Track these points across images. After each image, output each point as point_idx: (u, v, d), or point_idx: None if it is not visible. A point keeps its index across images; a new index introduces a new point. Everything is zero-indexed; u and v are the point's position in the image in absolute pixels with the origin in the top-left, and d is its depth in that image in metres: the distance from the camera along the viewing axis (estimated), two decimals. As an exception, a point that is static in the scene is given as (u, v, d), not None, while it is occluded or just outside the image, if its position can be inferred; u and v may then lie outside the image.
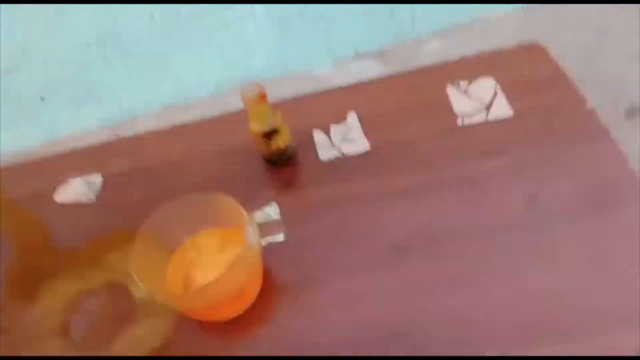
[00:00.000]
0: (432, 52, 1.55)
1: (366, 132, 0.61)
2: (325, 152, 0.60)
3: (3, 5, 1.37)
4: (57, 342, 0.51)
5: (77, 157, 0.70)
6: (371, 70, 1.58)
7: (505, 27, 1.54)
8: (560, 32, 1.33)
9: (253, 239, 0.45)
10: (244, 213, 0.45)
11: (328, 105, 0.66)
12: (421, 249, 0.49)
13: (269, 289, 0.50)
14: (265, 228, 0.46)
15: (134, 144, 0.69)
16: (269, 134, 0.56)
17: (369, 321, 0.46)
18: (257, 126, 0.56)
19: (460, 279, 0.46)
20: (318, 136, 0.62)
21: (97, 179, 0.65)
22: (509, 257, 0.47)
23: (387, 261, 0.49)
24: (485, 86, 0.63)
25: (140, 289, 0.52)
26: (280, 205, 0.53)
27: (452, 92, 0.63)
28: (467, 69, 0.65)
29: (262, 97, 0.53)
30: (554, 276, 0.45)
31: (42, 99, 1.64)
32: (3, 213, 0.65)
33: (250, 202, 0.56)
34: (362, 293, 0.48)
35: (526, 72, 0.63)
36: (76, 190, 0.65)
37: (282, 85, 1.52)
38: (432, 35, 1.59)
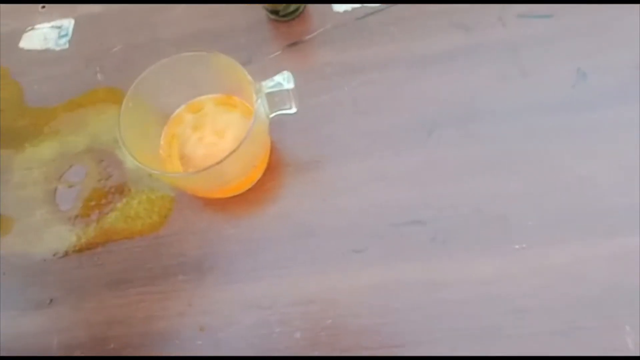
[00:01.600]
0: None
1: (390, -21, 0.51)
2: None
3: None
4: (45, 211, 0.47)
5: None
6: None
7: None
8: None
9: (262, 112, 0.38)
10: (253, 82, 0.38)
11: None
12: (450, 127, 0.43)
13: (276, 165, 0.45)
14: (275, 98, 0.39)
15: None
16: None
17: (385, 206, 0.42)
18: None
19: (491, 163, 0.42)
20: (332, -19, 0.52)
21: (67, 23, 0.55)
22: (548, 141, 0.42)
23: (409, 139, 0.44)
24: None
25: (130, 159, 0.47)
26: (285, 69, 0.46)
27: None
28: None
29: None
30: (593, 164, 0.40)
31: None
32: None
33: (252, 65, 0.48)
34: (379, 174, 0.43)
35: None
36: (45, 36, 0.55)
37: None
38: None
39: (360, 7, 0.50)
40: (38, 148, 0.50)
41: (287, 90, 0.38)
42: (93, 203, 0.46)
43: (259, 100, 0.37)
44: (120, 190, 0.46)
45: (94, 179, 0.47)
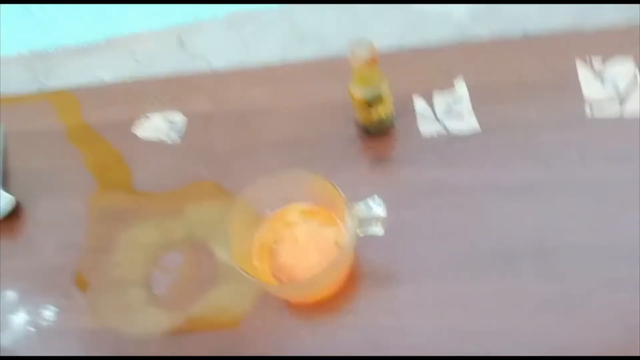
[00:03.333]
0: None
1: (475, 107, 0.55)
2: (427, 126, 0.55)
3: None
4: (140, 292, 0.51)
5: (156, 88, 0.66)
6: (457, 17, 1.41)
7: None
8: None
9: (353, 233, 0.42)
10: (346, 201, 0.41)
11: (432, 65, 0.59)
12: (528, 259, 0.45)
13: (356, 276, 0.47)
14: (364, 220, 0.43)
15: (215, 82, 0.65)
16: (372, 102, 0.51)
17: (456, 331, 0.43)
18: (360, 91, 0.50)
19: (570, 302, 0.43)
20: (419, 104, 0.56)
21: (178, 118, 0.62)
22: (627, 286, 0.42)
23: (486, 266, 0.46)
24: (622, 68, 0.54)
25: (222, 251, 0.51)
26: (372, 184, 0.49)
27: (582, 70, 0.54)
28: (602, 42, 0.56)
29: (374, 60, 0.47)
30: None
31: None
32: (83, 142, 0.64)
33: (341, 175, 0.52)
34: (455, 298, 0.45)
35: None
36: (157, 127, 0.62)
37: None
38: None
39: (446, 133, 0.54)
40: (140, 230, 0.55)
41: (378, 215, 0.42)
42: (184, 290, 0.50)
43: (351, 222, 0.41)
44: (210, 280, 0.50)
45: (187, 267, 0.52)
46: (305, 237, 0.47)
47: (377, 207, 0.41)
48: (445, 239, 0.48)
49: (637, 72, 0.53)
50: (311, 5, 1.51)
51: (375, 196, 0.42)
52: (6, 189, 0.61)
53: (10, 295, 0.54)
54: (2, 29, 1.65)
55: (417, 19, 1.40)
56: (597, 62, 0.55)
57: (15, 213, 0.60)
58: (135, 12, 1.65)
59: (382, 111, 0.51)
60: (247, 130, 0.60)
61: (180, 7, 1.62)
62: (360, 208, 0.41)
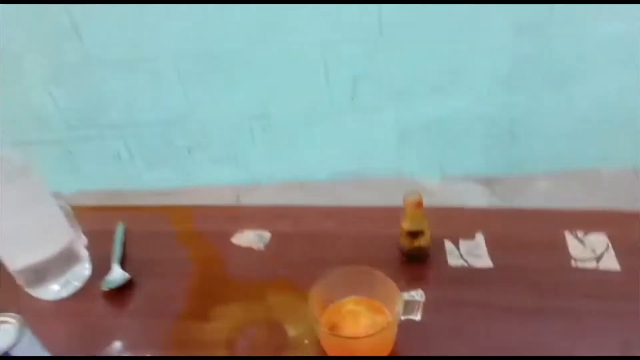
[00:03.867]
0: (540, 192, 1.66)
1: (490, 252, 0.74)
2: (454, 260, 0.74)
3: (185, 70, 1.69)
4: (224, 352, 0.66)
5: (251, 213, 0.89)
6: (477, 194, 1.73)
7: (616, 183, 1.63)
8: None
9: (399, 313, 0.59)
10: (398, 290, 0.59)
11: (459, 220, 0.81)
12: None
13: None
14: (407, 306, 0.60)
15: (297, 213, 0.87)
16: (416, 233, 0.71)
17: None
18: (408, 224, 0.71)
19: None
20: (449, 245, 0.76)
21: (266, 234, 0.83)
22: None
23: (494, 361, 0.61)
24: (598, 239, 0.75)
25: (292, 329, 0.67)
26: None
27: (569, 238, 0.75)
28: (583, 220, 0.78)
29: (420, 203, 0.69)
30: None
31: (189, 151, 1.93)
32: (190, 242, 0.84)
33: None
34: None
35: (636, 235, 0.74)
36: (249, 238, 0.83)
37: (393, 188, 1.70)
38: (542, 175, 1.72)
39: (468, 266, 0.73)
40: (229, 307, 0.72)
41: (420, 302, 0.59)
42: (260, 354, 0.65)
43: (400, 304, 0.58)
44: (281, 349, 0.65)
45: (264, 338, 0.67)
46: (359, 322, 0.64)
47: (420, 297, 0.59)
48: (461, 339, 0.64)
49: (608, 242, 0.74)
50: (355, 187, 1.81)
51: (419, 289, 0.60)
52: (123, 268, 0.80)
53: (117, 345, 0.70)
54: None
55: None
56: (580, 233, 0.76)
57: (128, 286, 0.78)
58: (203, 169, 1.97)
59: (422, 241, 0.72)
60: (316, 248, 0.80)
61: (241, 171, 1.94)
62: (406, 294, 0.59)
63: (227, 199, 1.90)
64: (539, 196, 1.65)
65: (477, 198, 1.70)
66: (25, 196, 0.69)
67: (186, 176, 1.97)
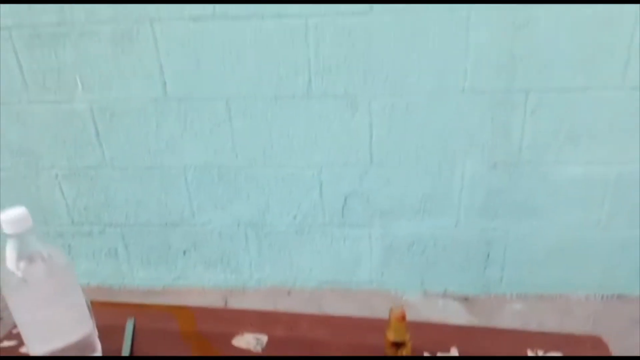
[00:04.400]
0: (514, 312, 1.77)
1: None
2: (431, 370, 0.84)
3: (193, 179, 1.84)
4: None
5: (250, 316, 0.98)
6: (456, 311, 1.83)
7: (583, 309, 1.75)
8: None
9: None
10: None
11: (437, 334, 0.91)
12: None
13: None
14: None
15: (291, 319, 0.97)
16: (399, 344, 0.81)
17: None
18: (392, 336, 0.81)
19: None
20: (427, 357, 0.86)
21: (264, 338, 0.92)
22: None
23: None
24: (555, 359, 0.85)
25: None
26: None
27: (531, 355, 0.86)
28: (544, 341, 0.89)
29: (403, 317, 0.80)
30: None
31: (184, 253, 2.03)
32: (194, 342, 0.93)
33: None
34: None
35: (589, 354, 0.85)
36: (248, 341, 0.91)
37: (377, 300, 1.80)
38: (516, 297, 1.84)
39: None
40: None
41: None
42: None
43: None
44: None
45: None
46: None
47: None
48: None
49: (565, 362, 0.85)
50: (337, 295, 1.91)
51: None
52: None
53: None
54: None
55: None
56: (540, 352, 0.86)
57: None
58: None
59: (405, 352, 0.82)
60: (311, 354, 0.88)
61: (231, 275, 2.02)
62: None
63: (215, 301, 1.97)
64: (512, 316, 1.76)
65: (454, 314, 1.80)
66: (63, 290, 0.78)
67: (177, 276, 2.05)
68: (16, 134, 1.83)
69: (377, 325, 0.85)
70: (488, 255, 1.85)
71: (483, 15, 1.50)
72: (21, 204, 1.75)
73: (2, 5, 1.64)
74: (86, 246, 2.03)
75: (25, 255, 0.74)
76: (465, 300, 1.88)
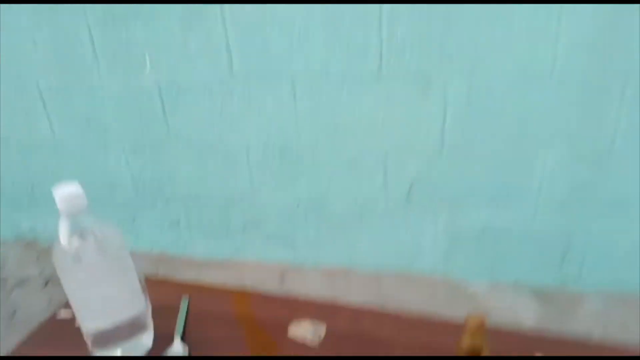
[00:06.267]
0: (591, 313, 1.62)
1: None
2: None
3: (255, 156, 1.80)
4: None
5: (308, 306, 0.92)
6: (526, 306, 1.69)
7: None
8: None
9: None
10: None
11: (516, 340, 0.82)
12: None
13: None
14: None
15: (352, 312, 0.90)
16: (475, 354, 0.73)
17: None
18: (468, 343, 0.72)
19: None
20: (502, 366, 0.77)
21: (322, 328, 0.86)
22: None
23: None
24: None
25: None
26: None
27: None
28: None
29: (483, 326, 0.71)
30: None
31: (244, 228, 2.01)
32: (247, 325, 0.88)
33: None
34: None
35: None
36: (305, 330, 0.86)
37: (438, 289, 1.70)
38: (595, 295, 1.68)
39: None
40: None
41: None
42: None
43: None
44: None
45: None
46: None
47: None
48: None
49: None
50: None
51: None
52: (183, 341, 0.84)
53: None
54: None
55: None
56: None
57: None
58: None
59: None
60: (372, 353, 0.82)
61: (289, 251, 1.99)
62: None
63: (272, 276, 1.95)
64: (590, 315, 1.61)
65: (524, 308, 1.67)
66: (116, 268, 0.76)
67: (235, 250, 2.04)
68: (86, 108, 1.86)
69: (448, 329, 0.76)
70: (567, 250, 1.70)
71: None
72: (89, 175, 1.77)
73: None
74: (150, 216, 2.07)
75: (78, 233, 0.71)
76: (537, 294, 1.74)
